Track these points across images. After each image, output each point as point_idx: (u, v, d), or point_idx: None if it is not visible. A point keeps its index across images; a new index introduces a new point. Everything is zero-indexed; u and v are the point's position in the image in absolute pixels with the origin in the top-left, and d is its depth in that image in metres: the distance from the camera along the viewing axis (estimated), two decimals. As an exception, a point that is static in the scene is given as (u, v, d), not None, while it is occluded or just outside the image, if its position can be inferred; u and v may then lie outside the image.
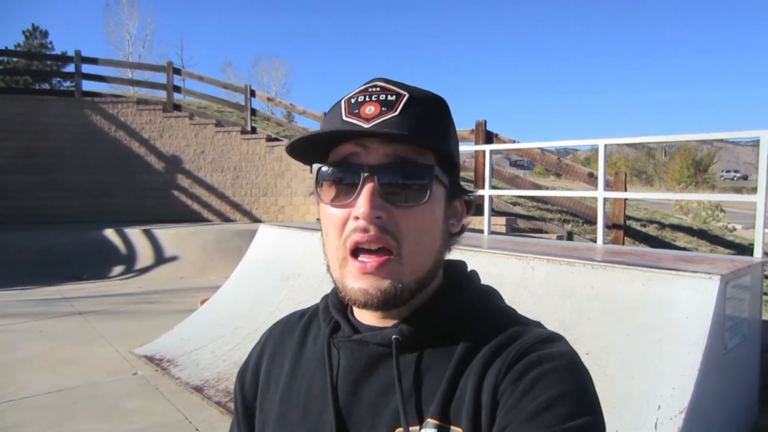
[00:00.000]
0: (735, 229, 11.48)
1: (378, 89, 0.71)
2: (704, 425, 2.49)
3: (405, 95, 0.71)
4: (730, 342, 2.71)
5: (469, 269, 0.83)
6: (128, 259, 9.25)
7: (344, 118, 0.70)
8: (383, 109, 0.69)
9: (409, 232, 0.69)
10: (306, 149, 0.73)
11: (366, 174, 0.68)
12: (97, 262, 8.98)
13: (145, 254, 9.32)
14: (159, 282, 8.40)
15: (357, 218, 0.67)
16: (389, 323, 0.74)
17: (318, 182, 0.72)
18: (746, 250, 7.27)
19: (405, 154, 0.69)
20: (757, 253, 3.35)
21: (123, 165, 11.68)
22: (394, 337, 0.71)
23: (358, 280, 0.69)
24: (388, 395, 0.71)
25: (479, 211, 5.92)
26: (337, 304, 0.81)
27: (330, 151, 0.73)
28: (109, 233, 9.51)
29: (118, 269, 9.03)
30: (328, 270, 0.74)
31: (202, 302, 5.57)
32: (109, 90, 14.63)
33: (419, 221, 0.70)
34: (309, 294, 4.51)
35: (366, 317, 0.77)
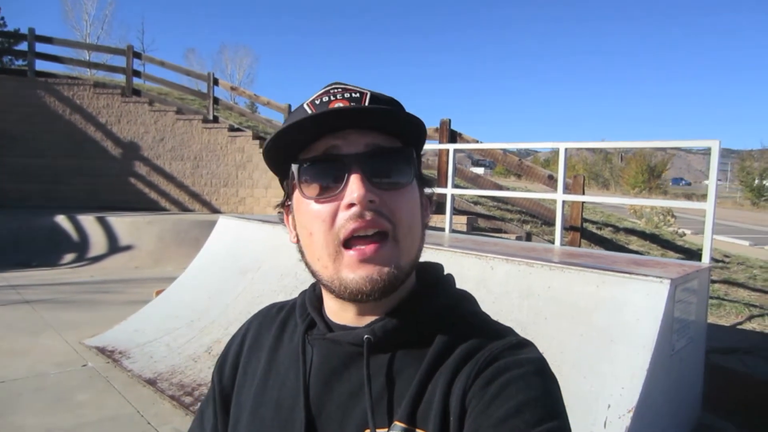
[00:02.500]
0: (685, 234, 11.89)
1: (339, 89, 0.73)
2: (650, 423, 2.58)
3: (368, 93, 0.73)
4: (677, 344, 2.81)
5: (446, 272, 0.83)
6: (80, 247, 8.96)
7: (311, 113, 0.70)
8: (352, 104, 0.70)
9: (401, 215, 0.70)
10: (277, 153, 0.74)
11: (352, 162, 0.69)
12: (48, 249, 8.67)
13: (98, 242, 9.05)
14: (112, 271, 8.17)
15: (350, 206, 0.68)
16: (363, 322, 0.75)
17: (300, 181, 0.72)
18: (695, 254, 7.55)
19: (381, 142, 0.71)
20: (705, 258, 3.49)
21: (77, 149, 11.30)
22: (365, 337, 0.72)
23: (356, 269, 0.69)
24: (359, 395, 0.71)
25: (441, 210, 5.97)
26: (314, 301, 0.82)
27: (299, 154, 0.73)
28: (61, 219, 9.18)
29: (69, 257, 8.74)
30: (313, 273, 0.74)
31: (158, 293, 5.45)
32: (65, 71, 14.13)
33: (407, 203, 0.72)
34: (268, 287, 4.46)
35: (341, 316, 0.77)
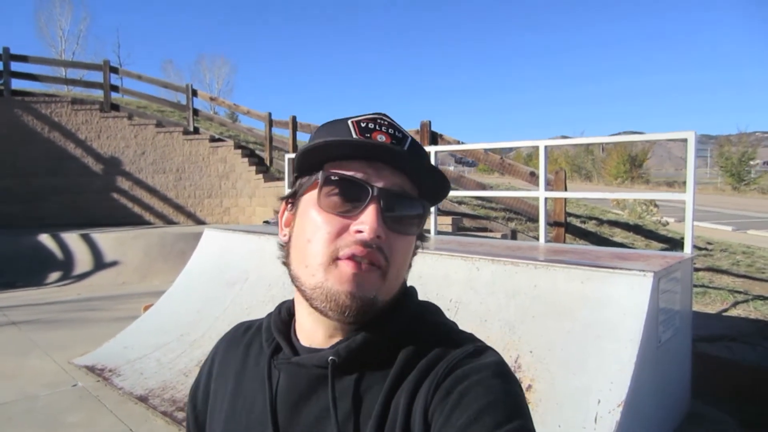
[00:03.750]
0: (668, 223, 12.05)
1: (386, 122, 0.75)
2: (640, 417, 2.62)
3: (410, 137, 0.76)
4: (663, 335, 2.85)
5: (407, 285, 0.84)
6: (66, 265, 8.87)
7: (356, 137, 0.72)
8: (393, 142, 0.73)
9: (397, 258, 0.72)
10: (312, 156, 0.74)
11: (375, 194, 0.70)
12: (32, 268, 8.57)
13: (83, 260, 8.96)
14: (99, 288, 8.10)
15: (359, 231, 0.69)
16: (330, 344, 0.75)
17: (321, 188, 0.72)
18: (678, 243, 7.65)
19: (406, 187, 0.74)
20: (687, 248, 3.54)
21: (58, 167, 11.17)
22: (330, 358, 0.72)
23: (343, 283, 0.69)
24: (326, 418, 0.72)
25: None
26: (279, 325, 0.82)
27: (326, 164, 0.74)
28: (44, 238, 9.08)
29: (54, 276, 8.65)
30: (295, 278, 0.75)
31: (146, 308, 5.41)
32: (42, 89, 13.98)
33: (405, 251, 0.75)
34: (256, 299, 4.46)
35: (310, 337, 0.77)
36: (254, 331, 0.88)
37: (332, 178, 0.72)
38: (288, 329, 0.81)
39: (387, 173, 0.72)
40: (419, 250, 0.82)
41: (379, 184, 0.71)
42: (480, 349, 0.73)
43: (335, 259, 0.69)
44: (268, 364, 0.79)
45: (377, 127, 0.73)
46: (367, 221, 0.69)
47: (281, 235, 0.80)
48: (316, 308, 0.72)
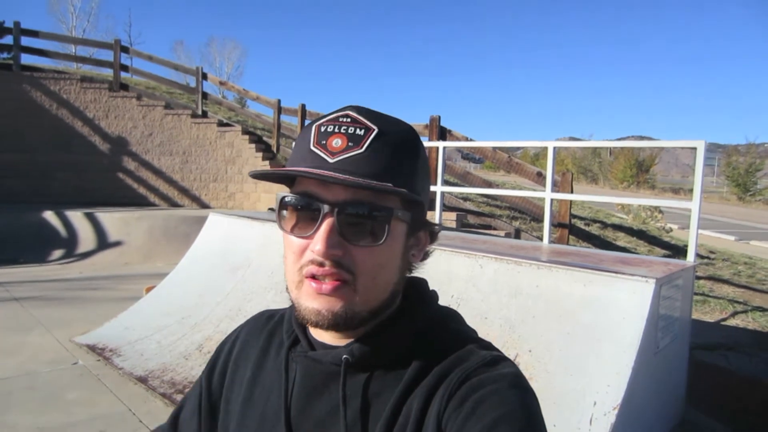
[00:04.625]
0: (671, 230, 12.03)
1: (349, 120, 0.71)
2: (635, 420, 2.64)
3: (374, 130, 0.71)
4: (662, 341, 2.87)
5: (430, 288, 0.84)
6: (69, 243, 8.90)
7: (311, 147, 0.71)
8: (350, 144, 0.69)
9: (365, 269, 0.70)
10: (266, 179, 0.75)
11: (326, 211, 0.69)
12: (36, 245, 8.60)
13: (87, 238, 8.99)
14: (102, 268, 8.14)
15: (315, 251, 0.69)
16: (344, 342, 0.76)
17: (279, 209, 0.73)
18: (680, 251, 7.65)
19: (364, 194, 0.69)
20: (690, 257, 3.55)
21: (65, 145, 11.20)
22: (344, 357, 0.73)
23: (312, 300, 0.70)
24: (337, 414, 0.73)
25: (431, 207, 6.00)
26: (298, 318, 0.83)
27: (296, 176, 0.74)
28: (49, 216, 9.11)
29: (57, 253, 8.69)
30: (287, 289, 0.76)
31: (148, 290, 5.44)
32: (51, 65, 14.00)
33: (376, 259, 0.71)
34: (258, 285, 4.48)
35: (323, 335, 0.78)
36: (277, 321, 0.89)
37: (286, 199, 0.72)
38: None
39: (338, 185, 0.68)
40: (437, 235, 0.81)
41: (330, 198, 0.69)
42: (497, 358, 0.72)
43: (303, 277, 0.71)
44: (286, 356, 0.81)
45: (336, 130, 0.71)
46: (318, 241, 0.68)
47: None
48: (298, 318, 0.75)
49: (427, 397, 0.70)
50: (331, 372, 0.75)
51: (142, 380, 3.86)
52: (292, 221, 0.72)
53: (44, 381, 3.85)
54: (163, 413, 3.43)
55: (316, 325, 0.72)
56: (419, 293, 0.82)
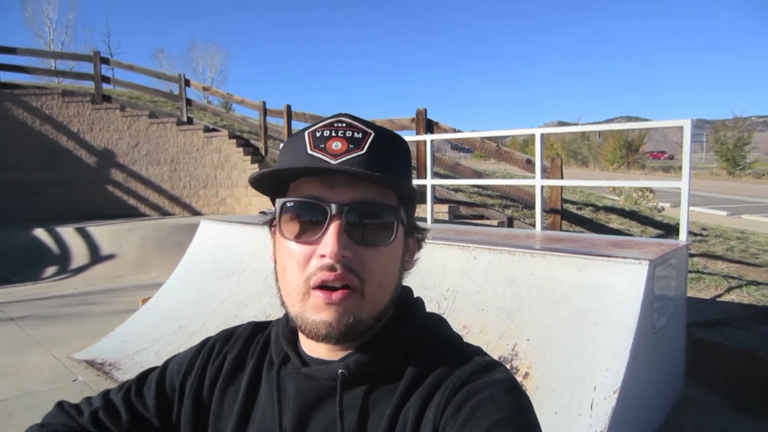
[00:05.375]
0: (663, 209, 12.07)
1: (344, 125, 0.72)
2: (636, 402, 2.65)
3: (371, 133, 0.72)
4: (658, 322, 2.88)
5: (414, 296, 0.83)
6: (62, 260, 8.83)
7: (309, 151, 0.70)
8: (350, 146, 0.70)
9: (373, 272, 0.70)
10: (265, 179, 0.72)
11: (334, 212, 0.68)
12: (28, 263, 8.53)
13: (79, 253, 8.93)
14: (96, 282, 8.08)
15: (323, 256, 0.67)
16: (338, 356, 0.75)
17: (280, 217, 0.72)
18: (673, 229, 7.69)
19: (370, 193, 0.70)
20: (683, 236, 3.56)
21: (50, 161, 11.09)
22: (340, 371, 0.72)
23: (319, 312, 0.69)
24: (334, 429, 0.72)
25: (422, 200, 5.99)
26: (287, 335, 0.81)
27: (291, 184, 0.73)
28: (39, 233, 9.03)
29: (51, 270, 8.62)
30: (282, 303, 0.74)
31: (144, 301, 5.41)
32: (32, 81, 13.86)
33: (383, 261, 0.71)
34: (254, 290, 4.47)
35: (315, 350, 0.77)
36: (266, 337, 0.87)
37: (288, 204, 0.71)
38: (295, 338, 0.81)
39: (343, 184, 0.69)
40: (423, 243, 0.82)
41: (336, 199, 0.68)
42: (491, 364, 0.72)
43: (309, 288, 0.69)
44: (278, 375, 0.79)
45: (333, 134, 0.71)
46: (328, 243, 0.67)
47: (271, 257, 0.78)
48: (302, 333, 0.73)
49: (422, 405, 0.69)
50: (326, 387, 0.74)
51: (143, 393, 3.83)
52: (296, 228, 0.71)
53: (44, 400, 3.82)
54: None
55: (325, 338, 0.70)
56: (408, 302, 0.81)
